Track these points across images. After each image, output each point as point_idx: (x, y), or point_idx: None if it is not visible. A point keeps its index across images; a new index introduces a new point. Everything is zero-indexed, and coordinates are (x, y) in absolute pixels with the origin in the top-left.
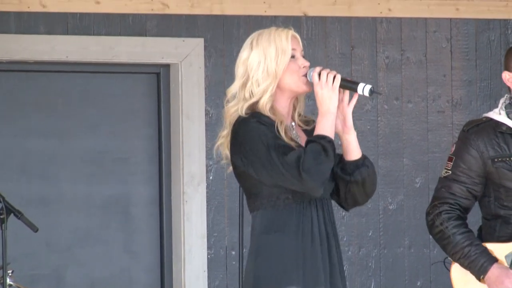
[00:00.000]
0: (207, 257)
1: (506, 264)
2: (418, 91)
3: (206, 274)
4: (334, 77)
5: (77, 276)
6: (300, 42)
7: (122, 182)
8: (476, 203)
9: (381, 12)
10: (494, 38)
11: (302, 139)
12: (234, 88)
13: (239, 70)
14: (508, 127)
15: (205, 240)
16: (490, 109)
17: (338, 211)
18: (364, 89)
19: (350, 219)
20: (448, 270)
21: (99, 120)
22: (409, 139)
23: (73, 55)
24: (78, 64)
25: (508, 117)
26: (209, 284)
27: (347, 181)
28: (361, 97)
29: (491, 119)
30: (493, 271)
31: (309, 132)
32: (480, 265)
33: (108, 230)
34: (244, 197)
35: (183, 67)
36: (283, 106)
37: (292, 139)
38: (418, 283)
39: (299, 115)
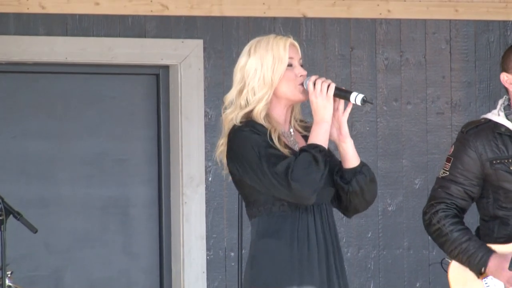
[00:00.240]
0: (206, 259)
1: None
2: (417, 93)
3: (205, 275)
4: (329, 86)
5: (76, 277)
6: (299, 51)
7: (121, 183)
8: (474, 205)
9: (380, 14)
10: (493, 40)
11: (301, 145)
12: (231, 95)
13: (237, 76)
14: (507, 128)
15: (204, 241)
16: (489, 111)
17: (337, 212)
18: (356, 98)
19: (349, 220)
20: (446, 271)
21: (98, 122)
22: (408, 140)
23: (73, 57)
24: (78, 65)
25: (507, 118)
26: (208, 285)
27: (346, 190)
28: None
29: (490, 121)
30: (493, 260)
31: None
32: (479, 258)
33: (107, 231)
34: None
35: (182, 69)
36: (280, 114)
37: (287, 147)
38: (417, 284)
39: (299, 121)
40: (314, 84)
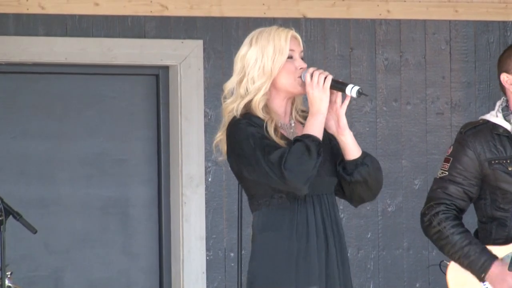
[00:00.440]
0: (206, 259)
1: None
2: (417, 93)
3: (205, 275)
4: (326, 78)
5: (75, 278)
6: (300, 44)
7: (121, 183)
8: (471, 206)
9: (380, 14)
10: (493, 40)
11: None
12: (231, 84)
13: (237, 65)
14: (505, 129)
15: (204, 241)
16: (489, 111)
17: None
18: (352, 90)
19: (348, 221)
20: (444, 273)
21: (98, 122)
22: (408, 140)
23: (72, 57)
24: (77, 66)
25: (505, 119)
26: (207, 285)
27: (348, 181)
28: (360, 99)
29: (488, 122)
30: (494, 269)
31: None
32: (481, 264)
33: (107, 231)
34: (244, 198)
35: (182, 69)
36: (279, 105)
37: (285, 138)
38: (417, 285)
39: (301, 111)
40: (312, 76)
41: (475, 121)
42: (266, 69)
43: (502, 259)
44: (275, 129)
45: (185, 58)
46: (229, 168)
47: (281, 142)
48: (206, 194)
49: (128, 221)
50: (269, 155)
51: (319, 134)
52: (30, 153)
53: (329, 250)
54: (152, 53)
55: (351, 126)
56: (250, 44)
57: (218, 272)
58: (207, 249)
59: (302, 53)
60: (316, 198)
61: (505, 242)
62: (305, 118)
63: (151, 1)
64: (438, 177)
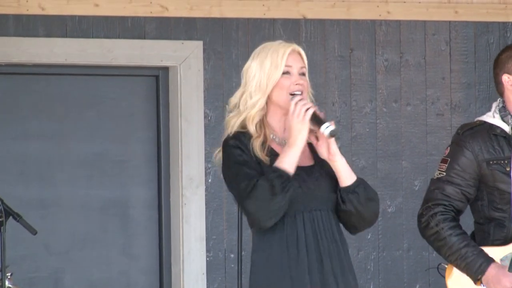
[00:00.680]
0: (206, 260)
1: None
2: (417, 94)
3: (205, 276)
4: (307, 110)
5: (75, 279)
6: (303, 59)
7: (120, 184)
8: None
9: (380, 15)
10: (493, 41)
11: (304, 153)
12: (235, 98)
13: (242, 79)
14: (502, 130)
15: (204, 242)
16: None
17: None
18: (326, 129)
19: None
20: (442, 276)
21: (98, 123)
22: (408, 141)
23: (72, 58)
24: (77, 67)
25: (503, 120)
26: (207, 286)
27: (341, 209)
28: (360, 99)
29: (485, 122)
30: (491, 270)
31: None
32: (478, 266)
33: (107, 232)
34: None
35: (182, 70)
36: (277, 120)
37: (276, 154)
38: (417, 286)
39: None
40: (295, 105)
41: (471, 122)
42: (262, 84)
43: (500, 261)
44: (263, 145)
45: (185, 59)
46: None
47: (266, 159)
48: (206, 195)
49: (128, 222)
50: (240, 184)
51: (290, 168)
52: (30, 154)
53: (323, 264)
54: (152, 54)
55: (351, 127)
56: (253, 58)
57: (218, 273)
58: (207, 250)
59: (304, 69)
60: (307, 214)
61: (503, 242)
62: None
63: (151, 2)
64: (435, 178)
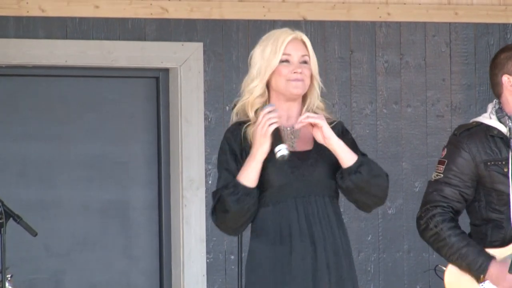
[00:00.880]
0: (206, 261)
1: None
2: (417, 95)
3: (205, 278)
4: (270, 125)
5: (76, 280)
6: (306, 46)
7: (121, 186)
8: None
9: (380, 17)
10: (493, 42)
11: (304, 139)
12: (243, 83)
13: (249, 66)
14: (499, 131)
15: (204, 244)
16: None
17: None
18: (278, 151)
19: (349, 224)
20: (440, 277)
21: (98, 125)
22: (408, 143)
23: (72, 60)
24: (77, 68)
25: (500, 121)
26: None
27: (342, 187)
28: (360, 101)
29: (482, 124)
30: (493, 268)
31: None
32: (479, 264)
33: (107, 234)
34: None
35: (182, 72)
36: (280, 108)
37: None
38: (417, 287)
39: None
40: (262, 117)
41: (468, 123)
42: (261, 70)
43: (502, 259)
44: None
45: (185, 60)
46: None
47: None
48: (206, 197)
49: (128, 223)
50: (217, 186)
51: (249, 181)
52: (30, 155)
53: (317, 254)
54: (152, 55)
55: (351, 128)
56: (258, 45)
57: (218, 275)
58: (208, 252)
59: (306, 57)
60: (301, 200)
61: (501, 244)
62: None
63: (151, 4)
64: (433, 180)
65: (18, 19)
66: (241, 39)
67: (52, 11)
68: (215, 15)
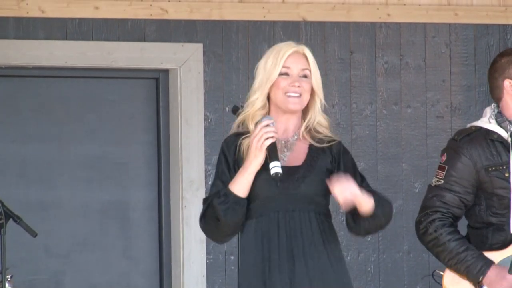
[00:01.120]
0: (206, 262)
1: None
2: (417, 96)
3: (205, 279)
4: (266, 139)
5: (76, 281)
6: (307, 60)
7: (121, 187)
8: None
9: (380, 17)
10: (493, 43)
11: (297, 154)
12: (249, 94)
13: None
14: (499, 135)
15: (204, 245)
16: None
17: (337, 216)
18: (272, 168)
19: None
20: (438, 282)
21: (98, 125)
22: (408, 144)
23: (72, 60)
24: (77, 69)
25: (500, 126)
26: None
27: (351, 227)
28: (360, 102)
29: (481, 128)
30: (492, 272)
31: (313, 149)
32: (478, 268)
33: (107, 235)
34: None
35: (182, 72)
36: (278, 121)
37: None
38: None
39: (314, 131)
40: (260, 129)
41: (467, 128)
42: (261, 82)
43: (501, 261)
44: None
45: (185, 61)
46: None
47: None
48: None
49: (128, 224)
50: (209, 192)
51: (240, 191)
52: (30, 156)
53: (295, 270)
54: (152, 56)
55: (351, 129)
56: (263, 57)
57: (218, 276)
58: (207, 252)
59: (307, 71)
60: (283, 214)
61: (502, 246)
62: (315, 138)
63: (151, 5)
64: (433, 185)
65: (18, 20)
66: (241, 40)
67: (52, 12)
68: (215, 16)
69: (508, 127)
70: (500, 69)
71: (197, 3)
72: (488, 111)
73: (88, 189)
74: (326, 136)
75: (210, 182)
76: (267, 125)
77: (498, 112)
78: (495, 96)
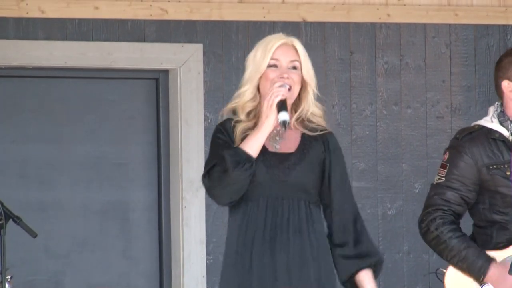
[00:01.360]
0: (206, 263)
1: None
2: (417, 97)
3: (205, 279)
4: (276, 97)
5: (75, 282)
6: (297, 52)
7: (120, 187)
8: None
9: (380, 18)
10: (493, 44)
11: (289, 142)
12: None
13: None
14: (501, 134)
15: (204, 245)
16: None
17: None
18: (280, 116)
19: None
20: (441, 280)
21: (97, 126)
22: (408, 144)
23: (72, 61)
24: (77, 69)
25: (502, 125)
26: None
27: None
28: (360, 102)
29: (483, 127)
30: (493, 270)
31: (306, 138)
32: (479, 266)
33: (107, 235)
34: None
35: (182, 73)
36: None
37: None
38: None
39: (308, 120)
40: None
41: (470, 127)
42: (250, 74)
43: (502, 261)
44: (246, 130)
45: (185, 62)
46: None
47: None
48: (206, 198)
49: (128, 225)
50: (207, 161)
51: (251, 149)
52: (30, 157)
53: (275, 255)
54: (152, 57)
55: (351, 130)
56: (253, 49)
57: (218, 276)
58: (207, 253)
59: (296, 63)
60: (272, 201)
61: (506, 245)
62: (308, 127)
63: (151, 5)
64: (435, 183)
65: (18, 20)
66: (241, 40)
67: (52, 13)
68: (215, 16)
69: (510, 126)
70: (502, 69)
71: (197, 4)
72: (491, 110)
73: (88, 190)
74: (318, 125)
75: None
76: (280, 86)
77: (501, 111)
78: (498, 95)
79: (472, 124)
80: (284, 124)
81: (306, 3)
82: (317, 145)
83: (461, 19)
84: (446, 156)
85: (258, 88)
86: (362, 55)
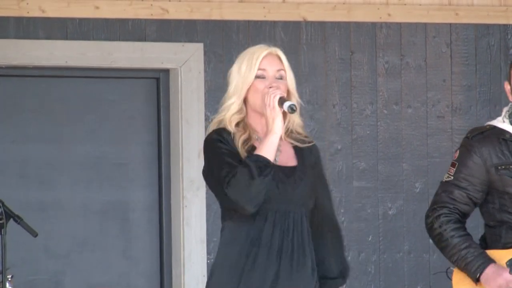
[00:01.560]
0: (207, 262)
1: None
2: (418, 96)
3: (205, 279)
4: (274, 97)
5: (76, 281)
6: (281, 62)
7: (121, 187)
8: (477, 210)
9: (380, 17)
10: (493, 43)
11: (286, 154)
12: (223, 99)
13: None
14: (511, 134)
15: (205, 245)
16: (490, 114)
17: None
18: (286, 105)
19: (349, 224)
20: (450, 279)
21: (98, 125)
22: (409, 144)
23: (72, 60)
24: (77, 69)
25: None
26: None
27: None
28: (361, 102)
29: (495, 127)
30: (489, 269)
31: (298, 150)
32: (476, 266)
33: (107, 235)
34: None
35: (182, 72)
36: (256, 123)
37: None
38: None
39: (296, 132)
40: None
41: (481, 126)
42: (237, 87)
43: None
44: (246, 142)
45: (186, 61)
46: None
47: (245, 156)
48: (207, 198)
49: (128, 224)
50: (220, 172)
51: (269, 155)
52: (30, 156)
53: (280, 271)
54: (152, 56)
55: (352, 129)
56: (236, 62)
57: None
58: (208, 253)
59: (282, 72)
60: (280, 215)
61: None
62: (295, 138)
63: (151, 5)
64: (444, 181)
65: (19, 20)
66: (242, 40)
67: (52, 12)
68: (216, 15)
69: None
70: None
71: (197, 3)
72: (504, 110)
73: (88, 189)
74: (305, 137)
75: None
76: (271, 87)
77: None
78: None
79: (486, 124)
80: (292, 108)
81: (306, 3)
82: (310, 158)
83: (462, 18)
84: (457, 154)
85: (244, 101)
86: (363, 54)
